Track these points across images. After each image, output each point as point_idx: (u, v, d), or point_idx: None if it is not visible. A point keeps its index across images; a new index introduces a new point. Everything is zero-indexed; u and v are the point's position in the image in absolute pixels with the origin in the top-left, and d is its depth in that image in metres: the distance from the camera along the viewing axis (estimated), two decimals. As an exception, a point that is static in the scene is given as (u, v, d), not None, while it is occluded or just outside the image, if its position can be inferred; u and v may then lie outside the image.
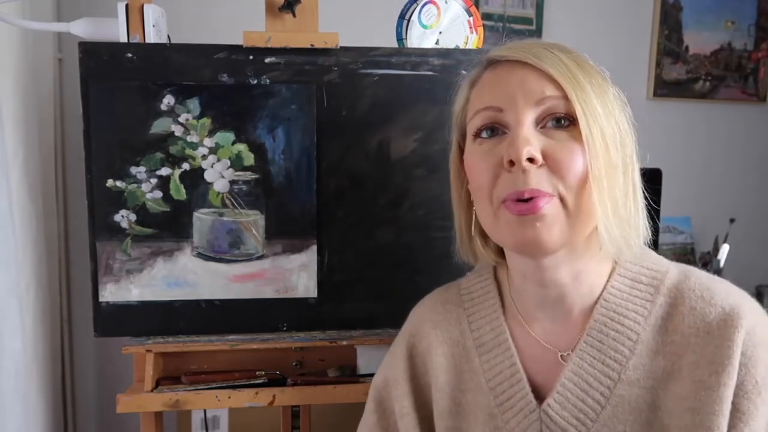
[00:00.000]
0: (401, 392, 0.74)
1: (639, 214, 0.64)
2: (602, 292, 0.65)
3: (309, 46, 0.94)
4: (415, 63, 0.97)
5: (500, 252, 0.71)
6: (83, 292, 1.50)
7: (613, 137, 0.60)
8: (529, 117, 0.60)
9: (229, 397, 0.96)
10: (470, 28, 1.03)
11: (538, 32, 1.77)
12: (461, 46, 1.02)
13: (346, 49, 0.96)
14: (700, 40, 1.88)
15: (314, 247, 0.98)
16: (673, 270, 0.65)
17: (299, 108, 0.96)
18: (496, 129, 0.62)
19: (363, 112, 0.97)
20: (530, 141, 0.59)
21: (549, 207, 0.59)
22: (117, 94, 0.93)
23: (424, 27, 1.01)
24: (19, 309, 1.20)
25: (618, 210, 0.60)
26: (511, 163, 0.59)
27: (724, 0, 1.88)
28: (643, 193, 0.64)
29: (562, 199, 0.59)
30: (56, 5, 1.47)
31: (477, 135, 0.64)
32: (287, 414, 1.22)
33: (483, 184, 0.62)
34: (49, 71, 1.43)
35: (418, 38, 1.01)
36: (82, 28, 1.04)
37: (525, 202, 0.59)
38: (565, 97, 0.60)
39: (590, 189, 0.59)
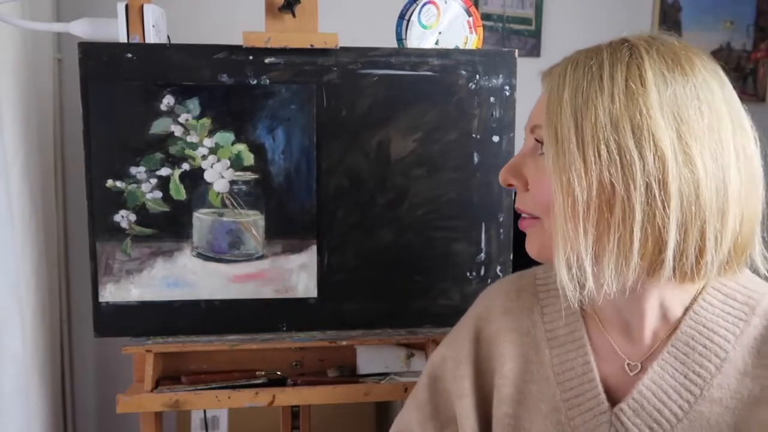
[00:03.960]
0: (463, 373, 0.73)
1: (622, 255, 0.55)
2: (692, 304, 0.62)
3: (309, 47, 0.95)
4: (414, 63, 0.97)
5: None
6: (83, 292, 1.50)
7: (584, 169, 0.55)
8: (529, 142, 0.64)
9: (229, 397, 0.96)
10: (470, 28, 1.03)
11: (537, 33, 1.77)
12: (461, 47, 1.02)
13: (345, 50, 0.96)
14: (699, 40, 1.88)
15: (314, 247, 0.98)
16: None
17: (299, 108, 0.96)
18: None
19: (363, 112, 0.97)
20: (511, 168, 0.64)
21: (530, 228, 0.65)
22: (117, 94, 0.93)
23: (424, 27, 1.01)
24: (19, 309, 1.20)
25: (578, 250, 0.56)
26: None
27: (723, 0, 1.88)
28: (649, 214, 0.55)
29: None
30: (56, 5, 1.47)
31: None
32: (287, 414, 1.22)
33: None
34: (49, 71, 1.43)
35: (418, 38, 1.01)
36: (82, 29, 1.04)
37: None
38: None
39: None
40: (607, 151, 0.54)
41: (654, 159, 0.53)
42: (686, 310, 0.62)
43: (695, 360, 0.61)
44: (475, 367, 0.73)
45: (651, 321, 0.63)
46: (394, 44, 1.01)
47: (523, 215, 0.65)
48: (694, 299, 0.62)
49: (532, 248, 0.65)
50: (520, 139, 0.99)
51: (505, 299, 0.74)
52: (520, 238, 1.02)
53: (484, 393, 0.73)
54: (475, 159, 0.99)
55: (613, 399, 0.64)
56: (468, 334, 0.75)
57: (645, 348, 0.64)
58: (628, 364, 0.64)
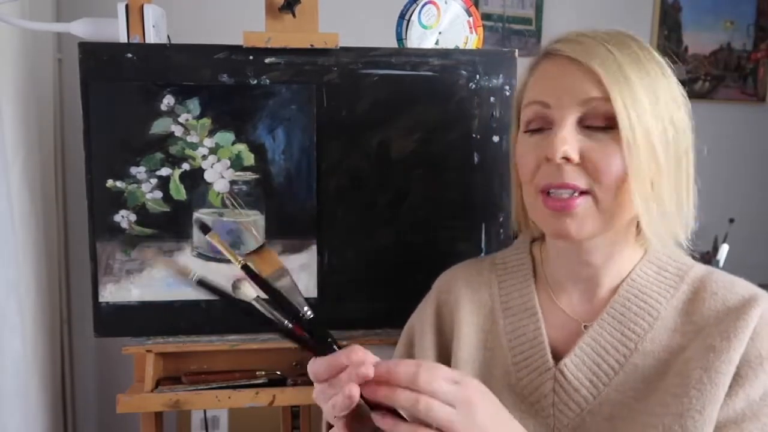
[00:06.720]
0: (428, 344, 0.77)
1: (690, 207, 0.68)
2: (630, 273, 0.70)
3: (309, 47, 0.95)
4: (414, 63, 0.97)
5: None
6: (83, 292, 1.50)
7: (661, 136, 0.63)
8: (571, 117, 0.63)
9: (229, 397, 0.96)
10: (470, 28, 1.03)
11: (537, 33, 1.77)
12: (461, 47, 1.02)
13: (346, 50, 0.96)
14: (699, 40, 1.88)
15: (314, 247, 0.98)
16: (698, 265, 0.70)
17: (299, 108, 0.96)
18: (542, 127, 0.66)
19: (363, 112, 0.97)
20: (567, 141, 0.62)
21: (581, 205, 0.63)
22: (117, 95, 0.93)
23: (424, 27, 1.01)
24: (19, 309, 1.20)
25: (664, 207, 0.64)
26: (548, 159, 0.63)
27: (724, 0, 1.88)
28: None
29: (594, 196, 0.63)
30: (56, 5, 1.47)
31: (526, 128, 0.68)
32: (287, 414, 1.22)
33: (527, 173, 0.67)
34: (49, 71, 1.43)
35: (418, 38, 1.01)
36: (82, 29, 1.04)
37: (560, 200, 0.63)
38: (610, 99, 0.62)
39: (628, 188, 0.62)
40: (674, 127, 0.65)
41: (686, 130, 0.67)
42: (624, 278, 0.70)
43: (630, 319, 0.67)
44: (438, 338, 0.78)
45: (607, 283, 0.70)
46: (394, 44, 1.01)
47: (571, 198, 0.63)
48: (632, 270, 0.70)
49: (581, 229, 0.64)
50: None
51: (466, 273, 0.80)
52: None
53: (448, 365, 0.75)
54: (476, 159, 0.99)
55: (561, 359, 0.69)
56: (431, 307, 0.80)
57: (600, 309, 0.70)
58: (585, 326, 0.69)
